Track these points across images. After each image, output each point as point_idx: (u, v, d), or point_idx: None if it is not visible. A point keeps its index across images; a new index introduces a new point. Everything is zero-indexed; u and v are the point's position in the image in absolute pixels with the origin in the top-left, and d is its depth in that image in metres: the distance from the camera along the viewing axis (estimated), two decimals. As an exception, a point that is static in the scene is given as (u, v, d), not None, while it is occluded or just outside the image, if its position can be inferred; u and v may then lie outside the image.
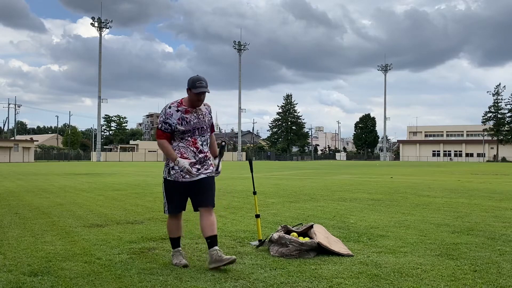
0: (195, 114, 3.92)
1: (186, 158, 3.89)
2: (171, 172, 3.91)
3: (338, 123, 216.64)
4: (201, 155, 3.94)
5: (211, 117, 4.09)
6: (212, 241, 3.82)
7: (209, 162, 4.02)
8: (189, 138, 3.91)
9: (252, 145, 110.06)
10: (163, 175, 4.01)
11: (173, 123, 3.85)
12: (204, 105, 4.02)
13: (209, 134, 4.03)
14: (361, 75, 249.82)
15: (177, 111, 3.87)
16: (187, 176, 3.86)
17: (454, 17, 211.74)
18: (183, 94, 4.02)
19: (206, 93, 3.92)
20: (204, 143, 3.99)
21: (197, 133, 3.93)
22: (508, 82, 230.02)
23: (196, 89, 3.82)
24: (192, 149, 3.93)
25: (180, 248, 4.08)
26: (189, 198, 4.01)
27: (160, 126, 3.90)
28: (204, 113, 3.98)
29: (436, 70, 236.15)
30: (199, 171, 3.92)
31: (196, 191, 3.91)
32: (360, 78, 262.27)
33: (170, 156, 3.89)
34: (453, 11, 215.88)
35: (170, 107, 3.88)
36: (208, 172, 3.97)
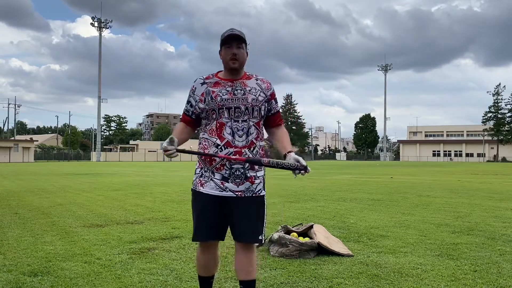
0: (229, 88, 2.55)
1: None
2: (193, 178, 2.67)
3: (338, 123, 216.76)
4: (227, 152, 2.50)
5: (268, 98, 2.63)
6: None
7: (253, 173, 2.57)
8: (213, 123, 2.54)
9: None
10: None
11: (196, 100, 2.60)
12: (257, 79, 2.63)
13: (255, 121, 2.56)
14: (366, 75, 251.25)
15: (203, 83, 2.60)
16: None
17: (458, 17, 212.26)
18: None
19: (245, 47, 2.57)
20: (240, 132, 2.52)
21: (226, 115, 2.50)
22: (510, 82, 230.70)
23: (225, 37, 2.52)
24: (214, 139, 2.52)
25: None
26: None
27: (184, 108, 2.72)
28: (250, 88, 2.57)
29: (440, 70, 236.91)
30: (225, 185, 2.51)
31: (229, 214, 2.57)
32: (364, 78, 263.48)
33: None
34: (455, 11, 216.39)
35: (196, 80, 2.64)
36: (245, 190, 2.55)
